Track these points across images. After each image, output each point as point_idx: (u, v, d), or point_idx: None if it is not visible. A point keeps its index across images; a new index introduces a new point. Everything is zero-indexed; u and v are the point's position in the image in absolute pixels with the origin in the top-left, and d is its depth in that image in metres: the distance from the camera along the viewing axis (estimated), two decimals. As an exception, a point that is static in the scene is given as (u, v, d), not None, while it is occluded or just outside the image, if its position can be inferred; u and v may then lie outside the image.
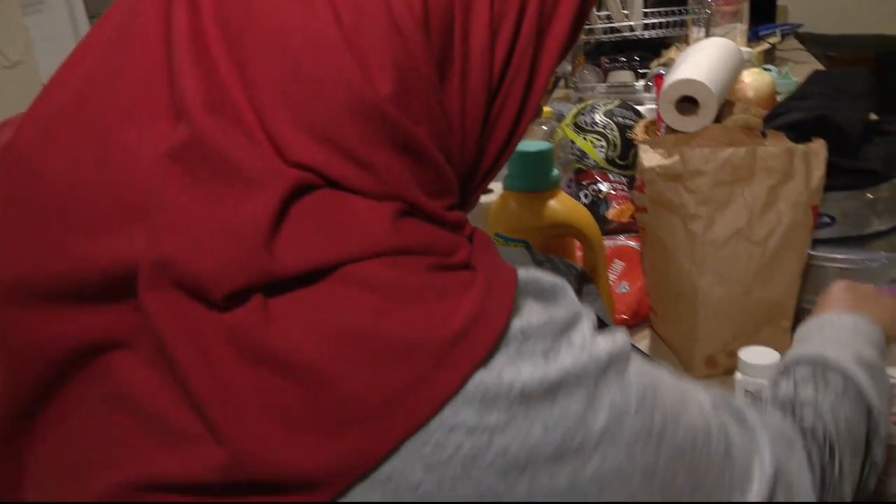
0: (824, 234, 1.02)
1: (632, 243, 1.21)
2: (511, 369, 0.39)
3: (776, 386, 0.63)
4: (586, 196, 1.40)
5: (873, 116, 1.14)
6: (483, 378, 0.39)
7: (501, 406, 0.39)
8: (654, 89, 1.82)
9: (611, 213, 1.36)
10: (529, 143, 1.03)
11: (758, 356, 0.86)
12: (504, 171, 1.02)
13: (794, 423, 0.57)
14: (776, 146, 0.95)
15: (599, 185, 1.42)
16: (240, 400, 0.39)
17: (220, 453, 0.39)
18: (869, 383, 0.61)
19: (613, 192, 1.40)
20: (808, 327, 0.70)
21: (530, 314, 0.41)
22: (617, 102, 1.56)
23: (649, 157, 1.01)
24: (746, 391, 0.86)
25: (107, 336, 0.42)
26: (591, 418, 0.40)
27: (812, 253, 0.99)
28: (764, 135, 1.05)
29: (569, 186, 1.41)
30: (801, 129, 1.01)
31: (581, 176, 1.45)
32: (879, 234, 1.04)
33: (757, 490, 0.47)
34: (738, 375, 0.87)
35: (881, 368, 0.65)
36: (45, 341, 0.43)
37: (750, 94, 1.45)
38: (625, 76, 2.13)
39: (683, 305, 0.98)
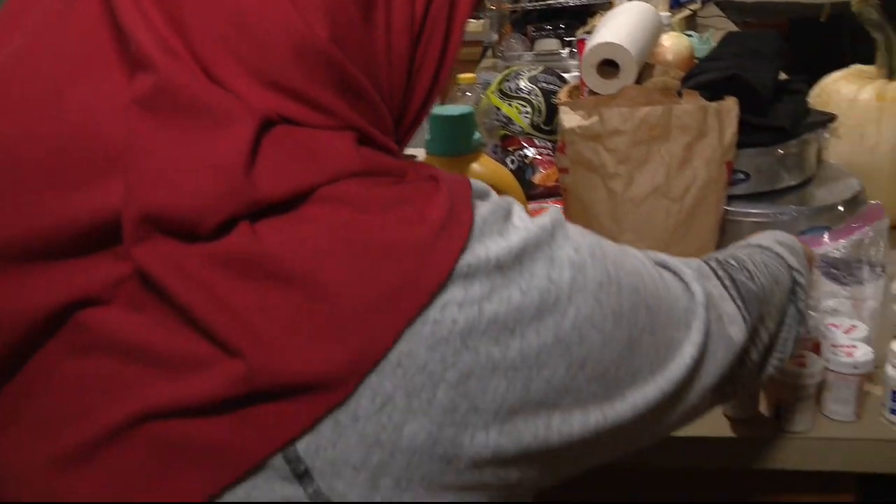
0: (739, 190, 1.05)
1: (557, 206, 1.22)
2: (480, 247, 0.44)
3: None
4: (513, 162, 1.41)
5: (783, 76, 1.17)
6: (464, 259, 0.43)
7: (482, 278, 0.43)
8: (578, 55, 1.83)
9: (537, 178, 1.37)
10: (450, 107, 1.03)
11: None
12: (426, 136, 1.02)
13: (709, 265, 0.60)
14: (691, 105, 0.97)
15: (525, 150, 1.43)
16: (246, 316, 0.41)
17: (238, 366, 0.41)
18: (786, 252, 0.66)
19: (539, 157, 1.41)
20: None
21: (480, 207, 0.46)
22: (541, 68, 1.56)
23: (569, 119, 1.02)
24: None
25: (82, 293, 0.43)
26: (556, 276, 0.45)
27: (728, 208, 1.01)
28: (680, 95, 1.07)
29: (494, 153, 1.41)
30: (715, 88, 1.03)
31: (507, 142, 1.46)
32: (790, 189, 1.08)
33: (699, 320, 0.52)
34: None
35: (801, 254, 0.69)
36: (20, 303, 0.44)
37: (669, 57, 1.48)
38: (551, 44, 2.14)
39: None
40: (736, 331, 0.57)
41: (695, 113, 0.94)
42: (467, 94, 1.48)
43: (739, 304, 0.58)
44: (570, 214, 1.06)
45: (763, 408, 0.83)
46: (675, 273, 0.55)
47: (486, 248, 0.44)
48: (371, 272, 0.42)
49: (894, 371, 0.79)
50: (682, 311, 0.52)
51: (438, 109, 1.04)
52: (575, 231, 0.48)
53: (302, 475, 0.42)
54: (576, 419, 0.46)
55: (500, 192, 1.01)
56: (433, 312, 0.42)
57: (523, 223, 0.46)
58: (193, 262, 0.42)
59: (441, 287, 0.43)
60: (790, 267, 0.66)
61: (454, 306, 0.43)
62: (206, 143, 0.42)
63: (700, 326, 0.52)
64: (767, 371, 0.64)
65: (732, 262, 0.61)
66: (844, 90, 1.17)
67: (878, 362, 0.81)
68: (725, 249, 0.68)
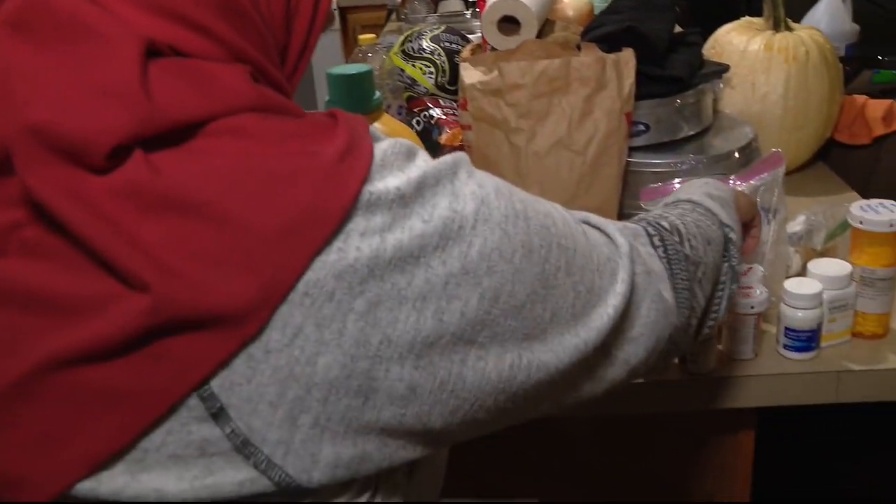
0: (640, 141, 1.06)
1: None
2: (380, 180, 0.44)
3: None
4: (419, 123, 1.39)
5: (678, 29, 1.18)
6: (366, 189, 0.43)
7: (383, 209, 0.43)
8: (480, 14, 1.82)
9: (444, 138, 1.36)
10: (347, 67, 1.00)
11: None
12: (325, 97, 1.00)
13: (638, 225, 0.61)
14: (589, 57, 0.97)
15: (431, 111, 1.41)
16: (151, 248, 0.40)
17: (143, 299, 0.40)
18: (717, 207, 0.66)
19: (445, 118, 1.40)
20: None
21: (381, 142, 0.46)
22: (443, 28, 1.54)
23: (470, 75, 1.01)
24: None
25: None
26: (460, 207, 0.45)
27: (629, 160, 1.02)
28: (579, 48, 1.07)
29: (399, 114, 1.39)
30: (612, 40, 1.04)
31: (412, 103, 1.44)
32: (688, 139, 1.10)
33: (623, 271, 0.52)
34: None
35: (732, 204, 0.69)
36: None
37: (570, 13, 1.48)
38: (455, 5, 2.11)
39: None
40: (666, 289, 0.56)
41: (593, 65, 0.94)
42: (369, 55, 1.45)
43: (667, 264, 0.57)
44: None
45: (668, 352, 0.85)
46: (596, 227, 0.55)
47: (386, 181, 0.44)
48: (275, 201, 0.41)
49: (787, 309, 0.81)
50: (603, 258, 0.52)
51: (337, 69, 1.01)
52: (480, 172, 0.48)
53: (217, 414, 0.41)
54: (491, 356, 0.46)
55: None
56: (337, 242, 0.42)
57: (425, 162, 0.46)
58: (94, 194, 0.40)
59: (345, 215, 0.42)
60: (722, 223, 0.65)
61: (357, 236, 0.42)
62: (92, 64, 0.41)
63: (625, 277, 0.52)
64: (704, 332, 0.64)
65: (663, 224, 0.61)
66: (736, 41, 1.19)
67: (773, 301, 0.84)
68: (656, 209, 0.67)
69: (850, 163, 1.25)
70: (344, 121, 0.46)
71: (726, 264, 0.65)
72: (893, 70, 1.42)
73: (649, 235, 0.58)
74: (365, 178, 0.43)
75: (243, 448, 0.42)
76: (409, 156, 0.46)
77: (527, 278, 0.46)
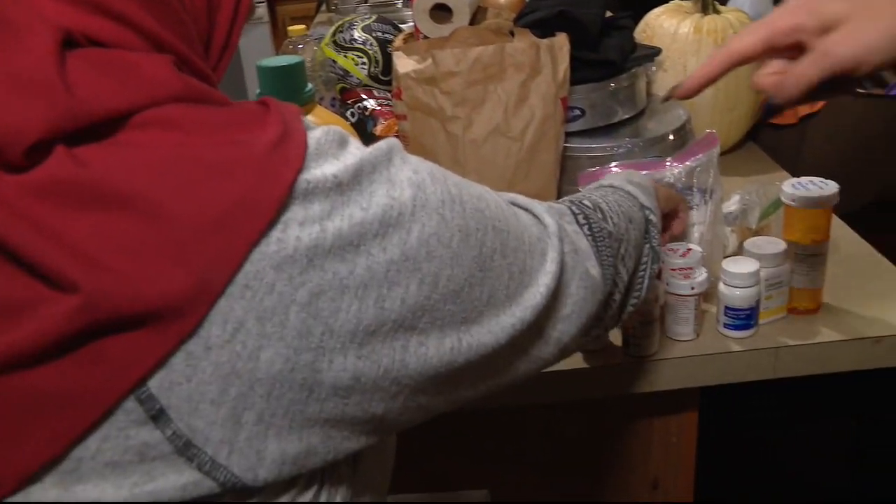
0: (576, 126, 1.06)
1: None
2: (317, 168, 0.43)
3: None
4: (353, 115, 1.36)
5: (609, 13, 1.18)
6: (302, 177, 0.42)
7: (321, 197, 0.42)
8: (412, 3, 1.80)
9: (379, 129, 1.34)
10: (278, 58, 0.97)
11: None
12: (256, 90, 0.97)
13: (563, 205, 0.62)
14: (523, 42, 0.96)
15: (365, 102, 1.39)
16: (79, 245, 0.38)
17: (72, 299, 0.38)
18: (637, 191, 0.68)
19: (379, 109, 1.38)
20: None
21: (314, 130, 0.45)
22: (375, 17, 1.52)
23: (404, 64, 0.99)
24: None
25: None
26: (397, 194, 0.44)
27: (566, 145, 1.02)
28: (512, 35, 1.06)
29: (333, 106, 1.37)
30: (545, 26, 1.03)
31: (346, 95, 1.41)
32: (623, 123, 1.10)
33: (553, 250, 0.53)
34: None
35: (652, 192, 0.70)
36: None
37: (501, 0, 1.47)
38: (385, -5, 2.08)
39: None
40: (592, 266, 0.57)
41: (527, 50, 0.94)
42: (300, 47, 1.42)
43: (592, 241, 0.58)
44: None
45: (613, 337, 0.85)
46: (525, 208, 0.55)
47: (322, 169, 0.43)
48: (208, 191, 0.40)
49: (726, 288, 0.82)
50: (534, 239, 0.52)
51: (267, 61, 0.98)
52: (413, 157, 0.48)
53: (157, 416, 0.40)
54: (432, 341, 0.45)
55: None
56: (276, 232, 0.41)
57: (359, 149, 0.46)
58: (11, 194, 0.38)
59: (282, 205, 0.41)
60: (642, 206, 0.67)
61: (295, 225, 0.41)
62: (4, 57, 0.39)
63: (554, 256, 0.53)
64: (627, 310, 0.65)
65: (586, 202, 0.62)
66: (666, 25, 1.20)
67: (712, 282, 0.84)
68: (579, 193, 0.68)
69: (778, 142, 1.27)
70: (276, 109, 0.45)
71: (647, 245, 0.66)
72: (816, 51, 1.45)
73: (574, 214, 0.59)
74: (300, 168, 0.42)
75: (185, 450, 0.40)
76: (342, 143, 0.45)
77: (465, 262, 0.46)
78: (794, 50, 0.60)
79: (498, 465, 0.92)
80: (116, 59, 0.42)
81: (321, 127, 0.46)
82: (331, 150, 0.44)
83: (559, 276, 0.53)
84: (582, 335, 0.57)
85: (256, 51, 2.85)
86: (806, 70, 0.59)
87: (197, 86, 0.44)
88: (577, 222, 0.59)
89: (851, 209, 1.00)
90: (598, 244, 0.59)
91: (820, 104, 1.22)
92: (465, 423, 0.88)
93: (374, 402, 0.45)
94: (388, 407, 0.45)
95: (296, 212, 0.42)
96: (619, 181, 0.69)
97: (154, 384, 0.39)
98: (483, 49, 0.92)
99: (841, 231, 1.01)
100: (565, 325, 0.55)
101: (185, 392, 0.40)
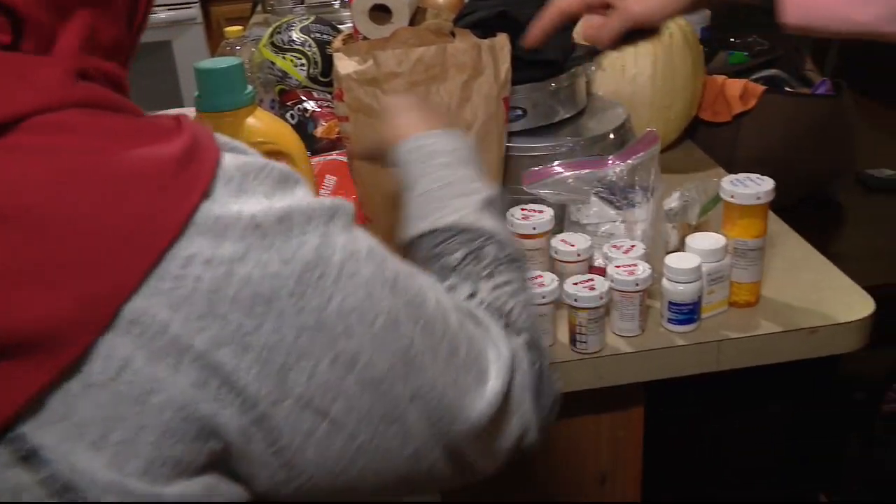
0: (518, 126, 1.06)
1: (343, 158, 1.18)
2: (236, 202, 0.39)
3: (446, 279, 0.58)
4: (293, 116, 1.35)
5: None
6: (211, 208, 0.38)
7: (235, 235, 0.38)
8: (350, 3, 1.79)
9: (319, 131, 1.33)
10: (216, 60, 0.95)
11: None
12: (192, 94, 0.95)
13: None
14: (464, 43, 0.96)
15: (305, 104, 1.37)
16: None
17: None
18: (500, 228, 0.59)
19: (319, 110, 1.36)
20: (415, 160, 0.65)
21: (245, 157, 0.41)
22: (312, 18, 1.50)
23: (345, 65, 0.98)
24: (462, 282, 0.88)
25: None
26: (327, 253, 0.40)
27: (508, 145, 1.02)
28: (453, 35, 1.06)
29: (272, 108, 1.35)
30: (486, 26, 1.03)
31: (285, 97, 1.39)
32: (564, 122, 1.11)
33: (495, 381, 0.48)
34: (453, 268, 0.89)
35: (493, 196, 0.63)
36: None
37: (440, 0, 1.47)
38: (322, -4, 2.07)
39: (397, 211, 0.98)
40: (529, 408, 0.52)
41: (469, 51, 0.94)
42: (237, 48, 1.39)
43: (537, 379, 0.53)
44: (355, 164, 1.03)
45: (560, 334, 0.85)
46: (481, 325, 0.50)
47: (240, 205, 0.39)
48: (101, 209, 0.36)
49: (669, 283, 0.83)
50: (473, 356, 0.47)
51: (204, 63, 0.96)
52: (359, 229, 0.44)
53: (29, 457, 0.36)
54: (343, 433, 0.41)
55: (279, 146, 0.96)
56: (174, 267, 0.37)
57: (301, 196, 0.41)
58: None
59: (180, 233, 0.37)
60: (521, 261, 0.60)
61: (199, 263, 0.37)
62: None
63: (497, 386, 0.48)
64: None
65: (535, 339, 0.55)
66: (604, 25, 1.21)
67: (655, 278, 0.86)
68: (486, 285, 0.56)
69: (713, 140, 1.30)
70: (188, 126, 0.41)
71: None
72: (744, 52, 1.49)
73: (528, 347, 0.53)
74: (205, 192, 0.38)
75: (63, 494, 0.36)
76: (282, 183, 0.41)
77: (388, 350, 0.42)
78: (606, 7, 0.81)
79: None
80: (6, 61, 0.38)
81: (259, 157, 0.42)
82: (260, 186, 0.40)
83: (499, 405, 0.48)
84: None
85: (190, 52, 2.79)
86: (612, 24, 0.80)
87: (102, 92, 0.40)
88: (530, 358, 0.53)
89: (783, 205, 1.03)
90: (543, 383, 0.53)
91: (752, 103, 1.25)
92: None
93: (260, 478, 0.41)
94: (274, 488, 0.41)
95: (202, 247, 0.38)
96: (485, 221, 0.58)
97: (26, 423, 0.36)
98: (425, 49, 0.92)
99: (775, 226, 1.03)
100: (487, 461, 0.51)
101: (59, 432, 0.36)
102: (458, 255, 0.56)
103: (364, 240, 0.44)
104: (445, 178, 0.61)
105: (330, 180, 1.13)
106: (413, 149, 0.64)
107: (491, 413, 0.47)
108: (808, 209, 1.29)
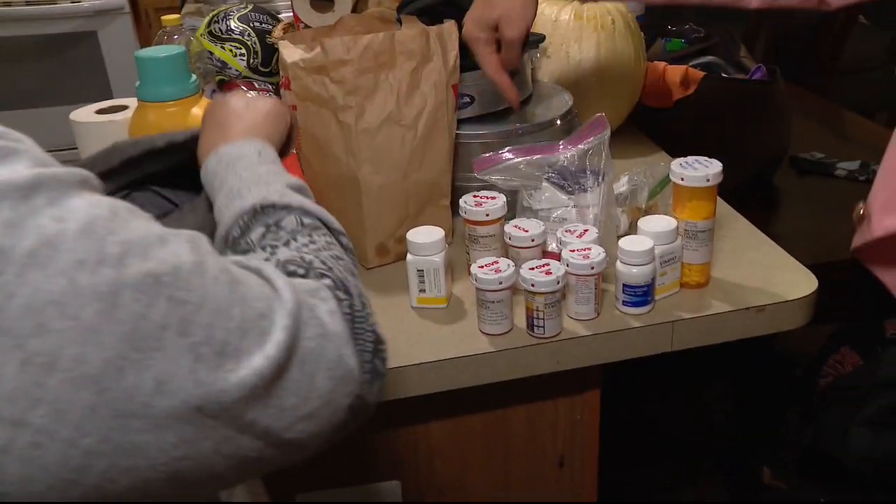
0: (466, 113, 1.06)
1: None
2: None
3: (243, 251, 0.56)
4: (234, 107, 1.31)
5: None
6: None
7: None
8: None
9: (262, 122, 1.30)
10: (159, 48, 0.92)
11: (424, 235, 0.88)
12: (122, 84, 0.92)
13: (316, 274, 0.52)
14: (412, 30, 0.95)
15: (247, 94, 1.34)
16: None
17: None
18: (307, 204, 0.58)
19: (262, 100, 1.33)
20: (219, 171, 0.61)
21: None
22: (251, 7, 1.47)
23: (290, 53, 0.96)
24: (418, 270, 0.88)
25: None
26: (9, 243, 0.35)
27: (457, 132, 1.02)
28: (399, 22, 1.05)
29: (212, 99, 1.31)
30: (432, 13, 1.03)
31: (226, 86, 1.36)
32: (511, 109, 1.10)
33: (279, 334, 0.44)
34: (410, 256, 0.88)
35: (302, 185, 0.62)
36: None
37: (381, -11, 1.45)
38: (256, -15, 2.02)
39: (347, 199, 0.96)
40: (349, 355, 0.48)
41: (417, 38, 0.93)
42: (175, 37, 1.35)
43: (350, 323, 0.49)
44: (303, 153, 1.01)
45: (517, 319, 0.85)
46: (260, 275, 0.47)
47: None
48: None
49: (623, 266, 0.84)
50: (253, 316, 0.43)
51: (147, 52, 0.93)
52: (84, 200, 0.39)
53: None
54: (59, 439, 0.36)
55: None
56: None
57: (16, 168, 0.37)
58: None
59: None
60: (336, 231, 0.58)
61: None
62: None
63: (281, 339, 0.43)
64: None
65: (338, 272, 0.52)
66: (547, 12, 1.22)
67: (609, 261, 0.86)
68: (287, 249, 0.54)
69: (656, 125, 1.32)
70: None
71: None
72: (681, 39, 1.51)
73: (333, 289, 0.50)
74: None
75: None
76: None
77: (107, 340, 0.37)
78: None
79: (408, 454, 0.91)
80: None
81: None
82: None
83: (284, 362, 0.43)
84: (332, 429, 0.47)
85: (118, 43, 2.69)
86: (505, 52, 0.98)
87: None
88: (337, 298, 0.49)
89: (725, 187, 1.05)
90: (357, 326, 0.49)
91: (693, 89, 1.28)
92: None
93: None
94: None
95: None
96: (294, 198, 0.57)
97: None
98: (373, 37, 0.91)
99: (720, 208, 1.05)
100: (302, 426, 0.45)
101: None
102: (259, 230, 0.55)
103: (85, 213, 0.38)
104: (248, 176, 0.59)
105: None
106: (215, 162, 0.62)
107: (273, 369, 0.43)
108: (747, 192, 1.32)
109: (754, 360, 1.40)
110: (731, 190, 1.10)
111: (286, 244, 0.54)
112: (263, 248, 0.53)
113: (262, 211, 0.56)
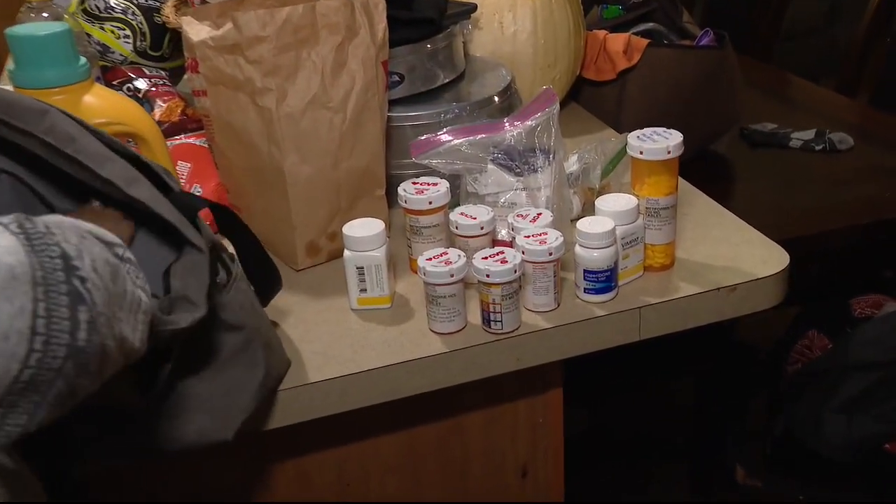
0: (396, 93, 1.08)
1: (193, 140, 1.16)
2: None
3: None
4: (122, 97, 1.29)
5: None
6: None
7: None
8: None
9: (158, 114, 1.28)
10: (38, 25, 0.90)
11: (362, 229, 0.89)
12: (8, 66, 0.90)
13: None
14: (334, 1, 0.96)
15: (135, 82, 1.32)
16: None
17: None
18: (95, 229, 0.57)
19: (155, 90, 1.32)
20: None
21: None
22: (134, -19, 1.45)
23: (196, 30, 0.96)
24: (358, 267, 0.89)
25: None
26: None
27: (389, 115, 1.03)
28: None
29: (98, 88, 1.29)
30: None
31: (110, 74, 1.34)
32: (445, 87, 1.13)
33: None
34: (348, 253, 0.89)
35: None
36: None
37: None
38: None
39: (270, 194, 0.97)
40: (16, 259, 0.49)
41: (341, 9, 0.94)
42: (44, 15, 1.31)
43: (25, 241, 0.50)
44: (218, 144, 1.01)
45: (470, 315, 0.87)
46: None
47: None
48: None
49: (583, 250, 0.88)
50: None
51: (20, 29, 0.90)
52: None
53: None
54: None
55: (128, 126, 0.92)
56: None
57: None
58: None
59: None
60: (111, 243, 0.57)
61: None
62: None
63: None
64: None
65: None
66: (476, -21, 1.25)
67: (566, 246, 0.89)
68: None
69: (599, 99, 1.37)
70: None
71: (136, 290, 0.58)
72: (618, 5, 1.57)
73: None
74: None
75: None
76: None
77: None
78: None
79: (357, 472, 0.92)
80: None
81: None
82: None
83: None
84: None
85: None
86: None
87: None
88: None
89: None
90: (34, 243, 0.50)
91: (636, 58, 1.33)
92: (317, 427, 0.87)
93: None
94: None
95: None
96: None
97: None
98: (292, 9, 0.91)
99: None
100: None
101: None
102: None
103: None
104: None
105: (184, 167, 1.10)
106: None
107: None
108: (698, 166, 1.38)
109: (714, 350, 1.46)
110: (682, 164, 1.15)
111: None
112: None
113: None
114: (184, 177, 1.10)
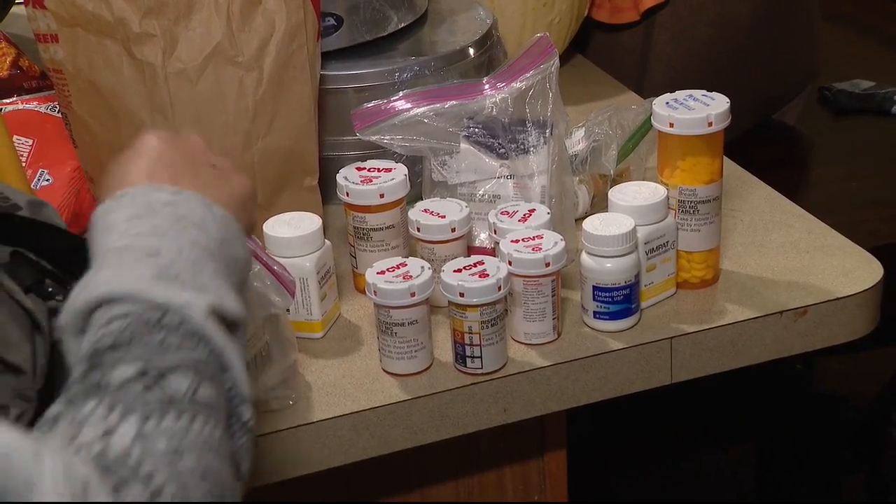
0: (331, 43, 1.12)
1: (36, 105, 1.18)
2: None
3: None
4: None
5: None
6: None
7: None
8: None
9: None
10: None
11: (288, 227, 0.93)
12: None
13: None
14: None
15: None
16: None
17: None
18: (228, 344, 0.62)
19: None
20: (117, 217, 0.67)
21: None
22: None
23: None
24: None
25: None
26: None
27: (323, 73, 1.07)
28: None
29: None
30: None
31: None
32: (400, 35, 1.17)
33: None
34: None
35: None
36: None
37: None
38: None
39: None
40: None
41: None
42: None
43: None
44: (78, 113, 1.03)
45: (438, 352, 0.92)
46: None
47: None
48: None
49: (592, 260, 0.92)
50: None
51: None
52: None
53: None
54: None
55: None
56: None
57: None
58: None
59: None
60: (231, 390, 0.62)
61: None
62: None
63: None
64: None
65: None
66: None
67: (570, 255, 0.94)
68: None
69: (615, 50, 1.41)
70: None
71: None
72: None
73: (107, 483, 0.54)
74: None
75: None
76: None
77: None
78: None
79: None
80: None
81: None
82: None
83: None
84: None
85: None
86: None
87: None
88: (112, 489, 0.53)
89: (727, 137, 1.15)
90: None
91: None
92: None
93: None
94: None
95: None
96: (159, 290, 0.60)
97: None
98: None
99: (726, 168, 1.12)
100: None
101: None
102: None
103: None
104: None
105: (23, 143, 1.12)
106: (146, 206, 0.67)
107: None
108: (756, 142, 1.42)
109: (783, 404, 1.50)
110: (732, 140, 1.20)
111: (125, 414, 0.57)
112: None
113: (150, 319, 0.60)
114: (24, 157, 1.10)
